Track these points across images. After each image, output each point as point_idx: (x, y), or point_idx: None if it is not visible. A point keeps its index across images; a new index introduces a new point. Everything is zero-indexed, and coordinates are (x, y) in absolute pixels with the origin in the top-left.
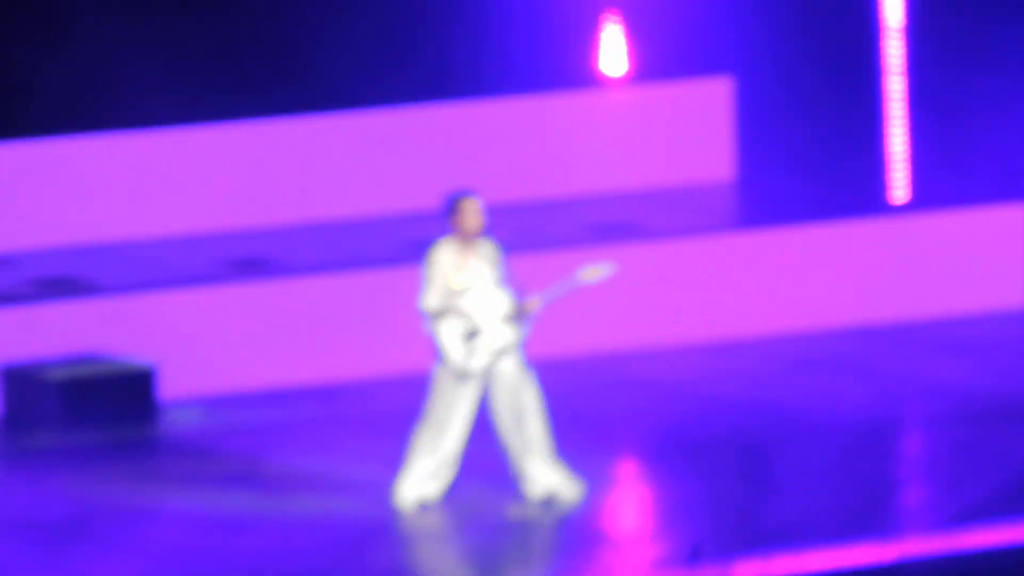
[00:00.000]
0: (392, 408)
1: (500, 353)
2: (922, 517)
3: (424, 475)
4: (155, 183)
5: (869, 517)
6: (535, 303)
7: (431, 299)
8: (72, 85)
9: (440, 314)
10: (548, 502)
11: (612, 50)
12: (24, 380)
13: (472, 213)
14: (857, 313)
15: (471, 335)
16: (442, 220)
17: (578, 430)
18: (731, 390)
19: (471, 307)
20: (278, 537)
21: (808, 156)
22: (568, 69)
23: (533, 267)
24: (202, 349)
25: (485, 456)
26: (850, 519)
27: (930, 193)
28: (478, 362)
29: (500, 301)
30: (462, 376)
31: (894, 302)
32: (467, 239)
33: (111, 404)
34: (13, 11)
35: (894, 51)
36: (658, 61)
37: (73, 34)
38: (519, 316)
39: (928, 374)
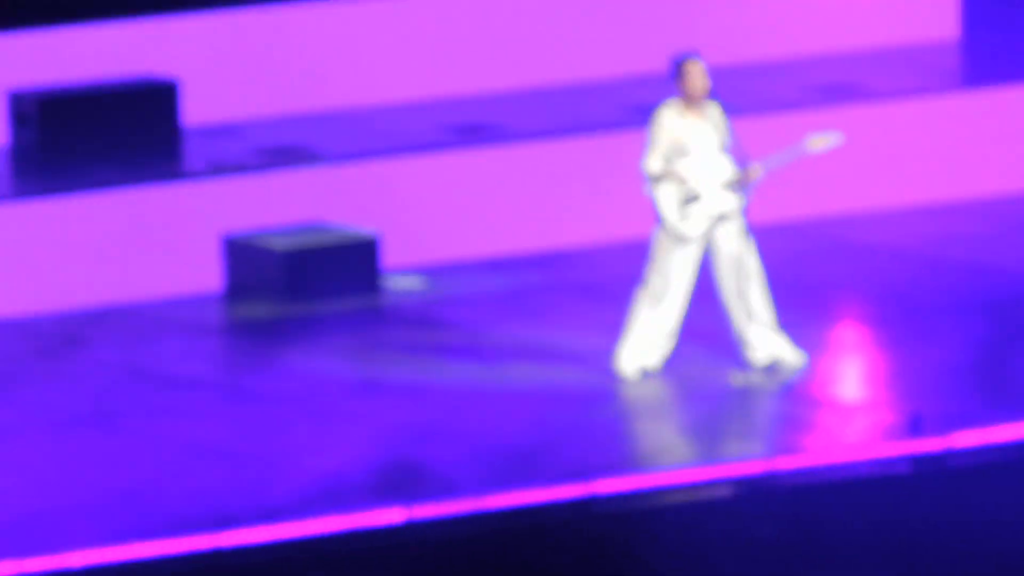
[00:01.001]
0: (614, 275)
1: (719, 219)
2: None
3: (645, 343)
4: (379, 50)
5: None
6: (757, 171)
7: (654, 161)
8: None
9: (661, 177)
10: (771, 369)
11: None
12: (246, 250)
13: (697, 75)
14: None
15: (691, 199)
16: (668, 84)
17: (800, 296)
18: (956, 253)
19: (693, 171)
20: (503, 408)
21: None
22: None
23: (756, 131)
24: (425, 217)
25: (707, 324)
26: None
27: None
28: (695, 226)
29: (722, 166)
30: (679, 239)
31: None
32: (693, 102)
33: (335, 274)
34: None
35: None
36: None
37: None
38: (741, 183)
39: None
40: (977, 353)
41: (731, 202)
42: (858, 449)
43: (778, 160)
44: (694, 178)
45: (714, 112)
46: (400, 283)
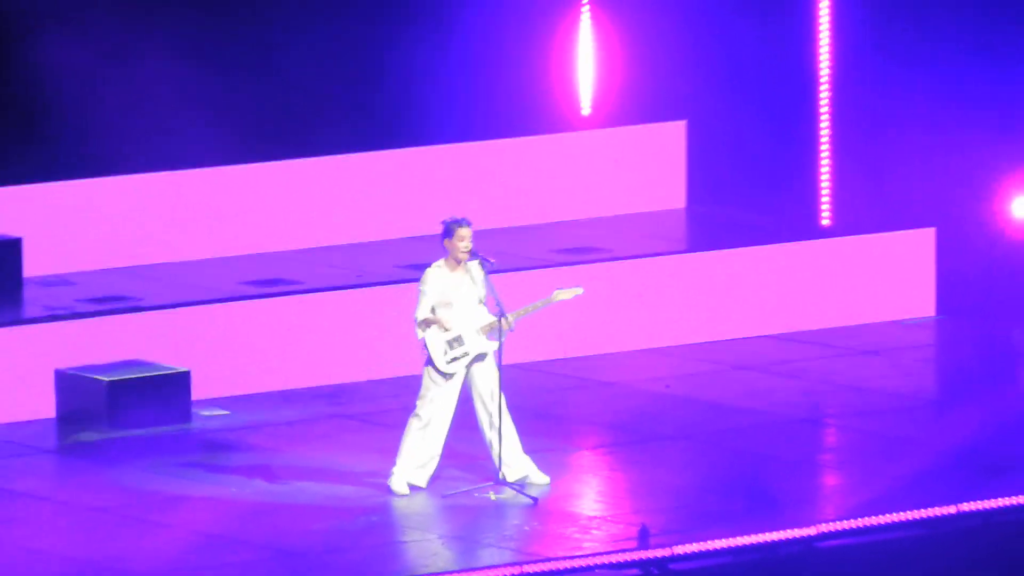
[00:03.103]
0: (389, 407)
1: (476, 358)
2: (838, 501)
3: (415, 464)
4: (190, 214)
5: (793, 501)
6: (511, 319)
7: (422, 312)
8: (119, 131)
9: (428, 324)
10: (520, 487)
11: (584, 98)
12: (75, 381)
13: (462, 238)
14: (788, 322)
15: (453, 342)
16: (436, 243)
17: (548, 424)
18: (681, 390)
19: (455, 319)
20: (292, 519)
21: (748, 189)
22: (545, 114)
23: (514, 283)
24: (230, 356)
25: (466, 447)
26: (776, 504)
27: (851, 220)
28: (457, 365)
29: (479, 315)
30: (443, 376)
31: (819, 312)
32: (457, 260)
33: (152, 403)
34: (90, 60)
35: (823, 99)
36: (622, 107)
37: (138, 85)
38: (496, 329)
39: (847, 374)
40: (699, 474)
41: (487, 345)
42: (594, 556)
43: (529, 309)
44: (456, 325)
45: (474, 269)
46: (208, 413)
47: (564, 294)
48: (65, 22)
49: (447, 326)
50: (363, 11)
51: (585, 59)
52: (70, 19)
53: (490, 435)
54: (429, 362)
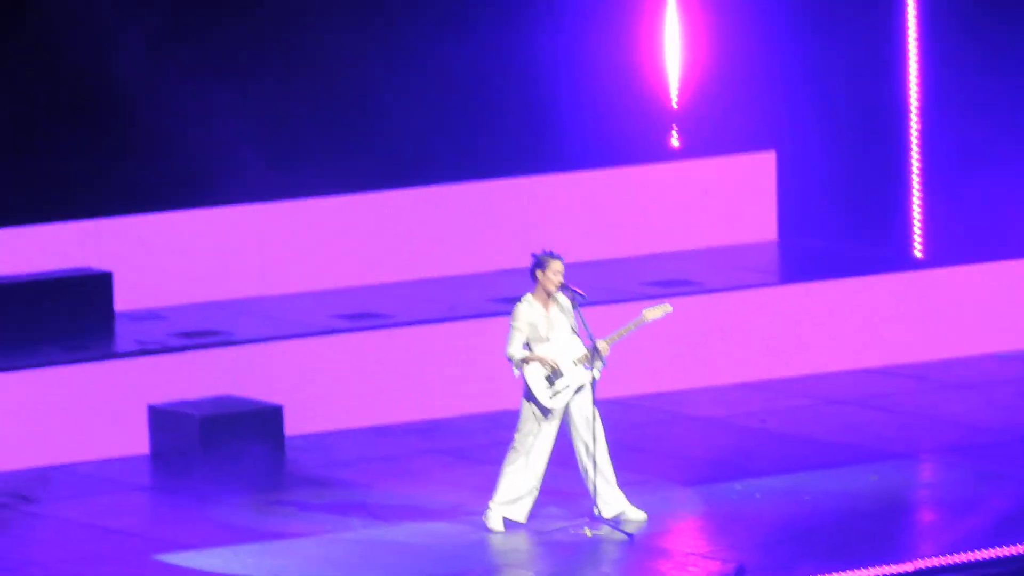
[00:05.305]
0: (481, 442)
1: (576, 392)
2: (935, 539)
3: (512, 498)
4: (281, 248)
5: (891, 539)
6: (605, 346)
7: (515, 348)
8: (208, 164)
9: (524, 360)
10: (616, 522)
11: (673, 130)
12: (167, 417)
13: (556, 271)
14: (882, 355)
15: (554, 377)
16: (526, 276)
17: (642, 459)
18: (773, 424)
19: (551, 353)
20: (388, 557)
21: (840, 220)
22: (634, 145)
23: (604, 317)
24: (321, 391)
25: (564, 481)
26: (873, 541)
27: (944, 251)
28: (560, 400)
29: (573, 346)
30: (544, 411)
31: (914, 345)
32: (548, 292)
33: (245, 438)
34: (176, 94)
35: (913, 129)
36: (711, 138)
37: (224, 117)
38: (592, 359)
39: (942, 409)
40: (791, 510)
41: (586, 375)
42: None
43: (622, 333)
44: (554, 359)
45: (562, 299)
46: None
47: (653, 312)
48: (154, 55)
49: (545, 362)
50: (457, 48)
51: (673, 90)
52: (160, 54)
53: (586, 462)
54: (527, 396)
